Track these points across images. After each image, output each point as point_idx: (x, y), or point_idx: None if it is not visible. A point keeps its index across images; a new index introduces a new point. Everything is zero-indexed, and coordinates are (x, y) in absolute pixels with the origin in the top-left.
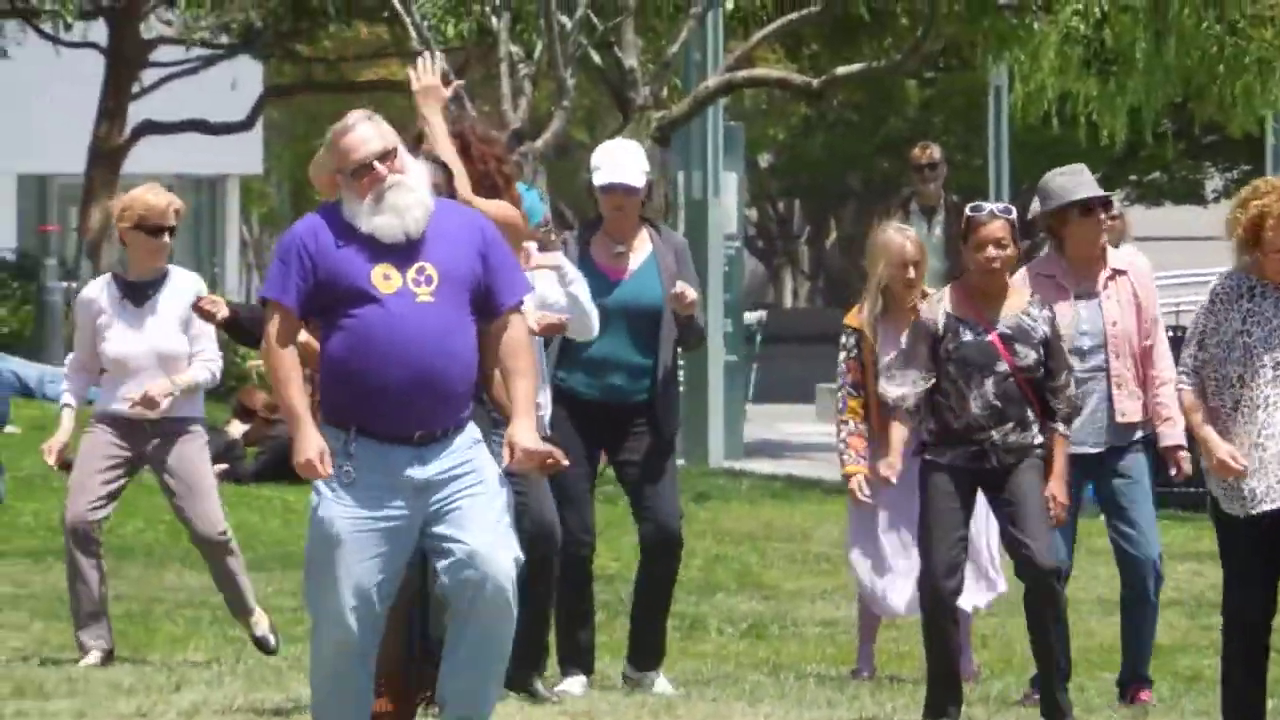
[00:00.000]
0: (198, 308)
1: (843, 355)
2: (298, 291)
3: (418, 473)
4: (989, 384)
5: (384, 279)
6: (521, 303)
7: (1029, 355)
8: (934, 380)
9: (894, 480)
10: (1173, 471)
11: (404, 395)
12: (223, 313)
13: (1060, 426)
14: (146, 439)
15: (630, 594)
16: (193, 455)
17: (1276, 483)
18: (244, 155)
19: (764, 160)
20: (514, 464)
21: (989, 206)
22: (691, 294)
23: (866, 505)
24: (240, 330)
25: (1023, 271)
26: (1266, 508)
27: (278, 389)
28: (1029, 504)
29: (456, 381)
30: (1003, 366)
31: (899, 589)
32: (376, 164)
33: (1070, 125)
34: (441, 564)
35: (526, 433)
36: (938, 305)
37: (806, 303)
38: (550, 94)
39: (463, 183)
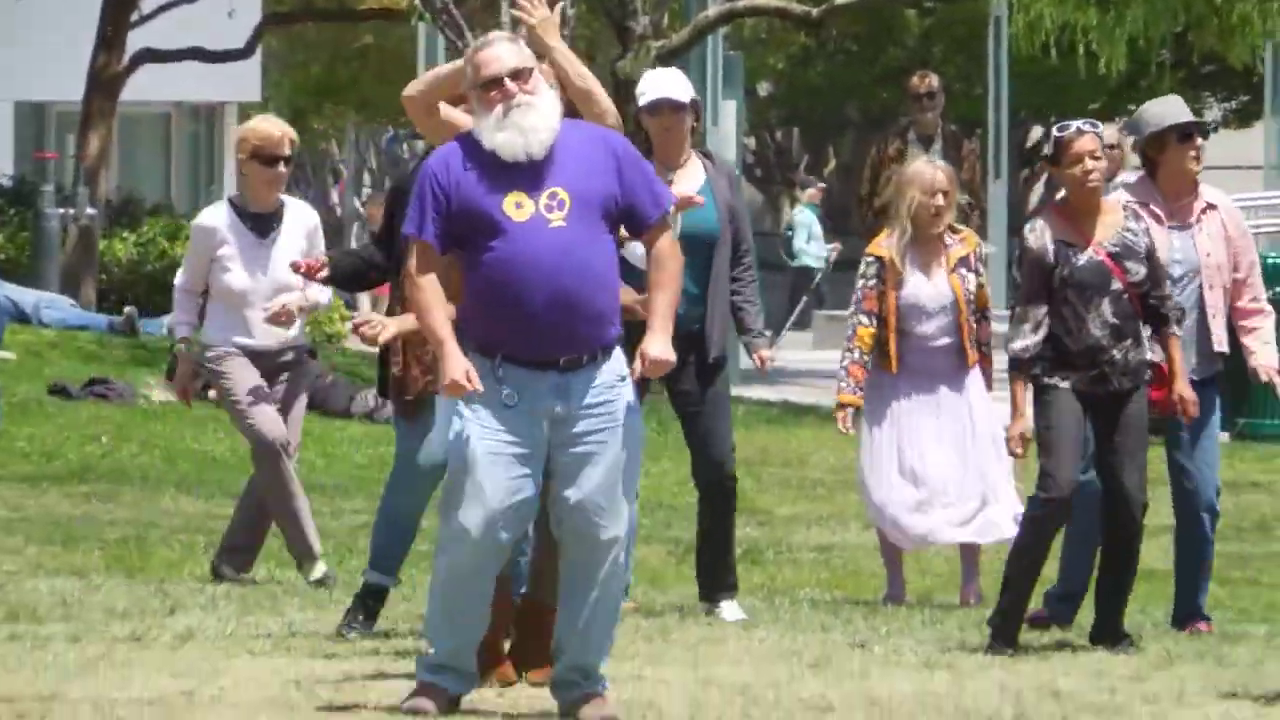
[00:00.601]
0: (301, 269)
1: (861, 283)
2: (434, 226)
3: (559, 404)
4: (1106, 304)
5: (516, 207)
6: (666, 215)
7: (1139, 270)
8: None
9: (1019, 451)
10: (1263, 377)
11: (545, 321)
12: (324, 274)
13: (1175, 329)
14: (273, 367)
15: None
16: (300, 386)
17: None
18: (242, 83)
19: (763, 89)
20: (643, 372)
21: (1075, 123)
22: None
23: (874, 434)
24: (343, 281)
25: (1120, 194)
26: None
27: (421, 318)
28: (1131, 440)
29: (596, 303)
30: (1117, 285)
31: (912, 521)
32: (508, 81)
33: (1070, 55)
34: (557, 508)
35: (659, 344)
36: (1043, 234)
37: None
38: None
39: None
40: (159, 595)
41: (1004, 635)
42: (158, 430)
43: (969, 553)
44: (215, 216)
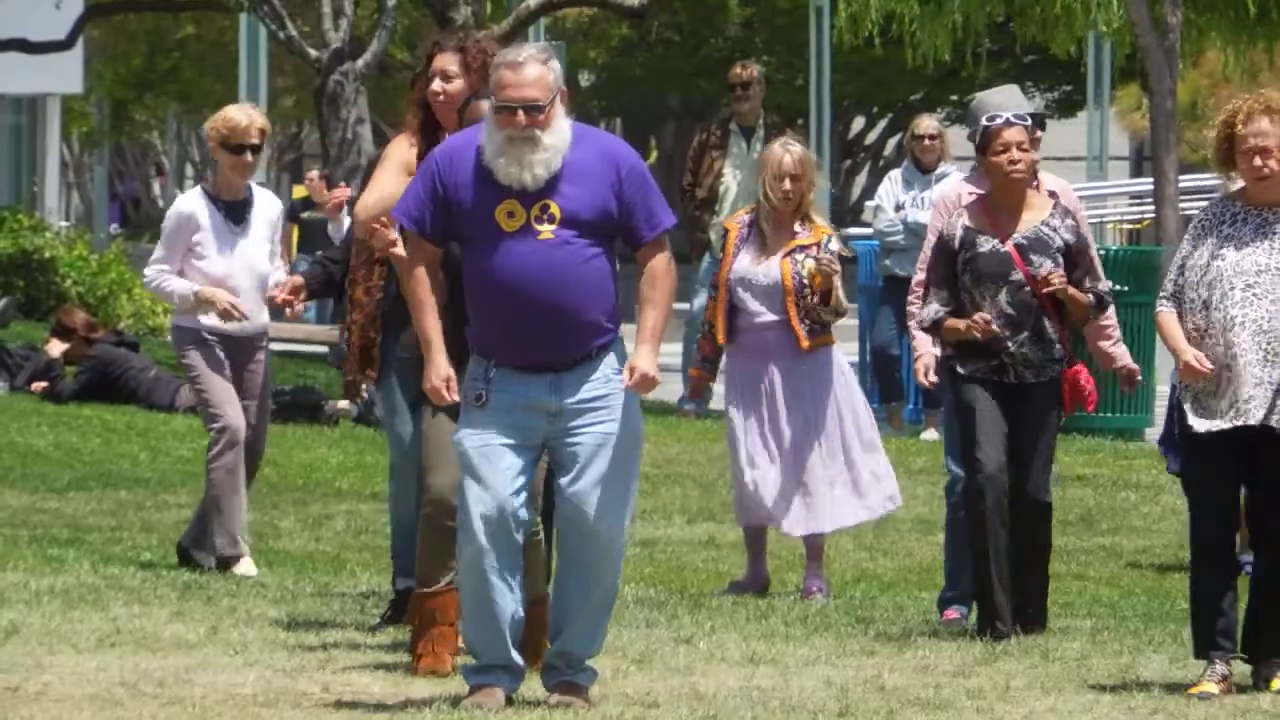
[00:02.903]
0: (281, 298)
1: (720, 256)
2: (431, 219)
3: (552, 400)
4: (1003, 294)
5: (508, 216)
6: (663, 235)
7: (1044, 264)
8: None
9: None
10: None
11: (528, 330)
12: (300, 305)
13: (1099, 317)
14: (242, 353)
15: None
16: (264, 370)
17: (1244, 401)
18: (64, 75)
19: (584, 79)
20: (630, 386)
21: (1004, 115)
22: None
23: (743, 417)
24: (319, 292)
25: (954, 180)
26: (1230, 424)
27: (413, 315)
28: (1031, 433)
29: (583, 315)
30: (1017, 276)
31: (779, 505)
32: (521, 113)
33: (893, 46)
34: (556, 499)
35: (646, 358)
36: (956, 220)
37: None
38: (371, 13)
39: None
40: None
41: (989, 618)
42: None
43: (813, 543)
44: (193, 203)
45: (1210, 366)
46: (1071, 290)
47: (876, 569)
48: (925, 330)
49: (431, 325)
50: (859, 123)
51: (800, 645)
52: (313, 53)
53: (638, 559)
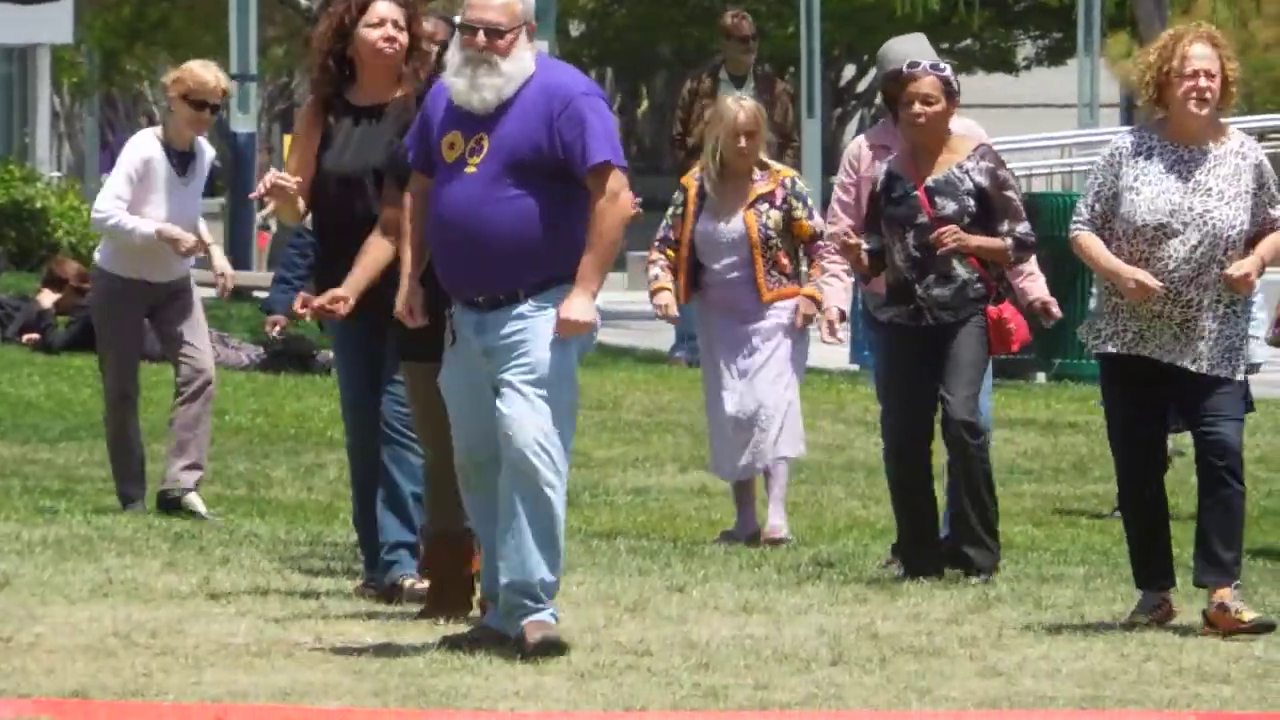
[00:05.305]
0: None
1: (670, 210)
2: (415, 150)
3: (478, 339)
4: (910, 237)
5: (449, 147)
6: (602, 167)
7: (948, 206)
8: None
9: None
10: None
11: (454, 261)
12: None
13: (1017, 260)
14: (163, 299)
15: None
16: (195, 302)
17: (1149, 333)
18: (55, 24)
19: (574, 28)
20: (557, 331)
21: (923, 63)
22: None
23: (717, 370)
24: (306, 278)
25: (859, 140)
26: (1140, 351)
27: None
28: (956, 365)
29: (503, 249)
30: (923, 219)
31: (733, 452)
32: (480, 34)
33: None
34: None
35: (573, 302)
36: (881, 166)
37: None
38: None
39: None
40: None
41: (913, 565)
42: None
43: (744, 487)
44: (151, 147)
45: (1159, 284)
46: (977, 241)
47: (869, 516)
48: (869, 266)
49: (406, 252)
50: (849, 71)
51: (793, 593)
52: (303, 2)
53: (630, 507)
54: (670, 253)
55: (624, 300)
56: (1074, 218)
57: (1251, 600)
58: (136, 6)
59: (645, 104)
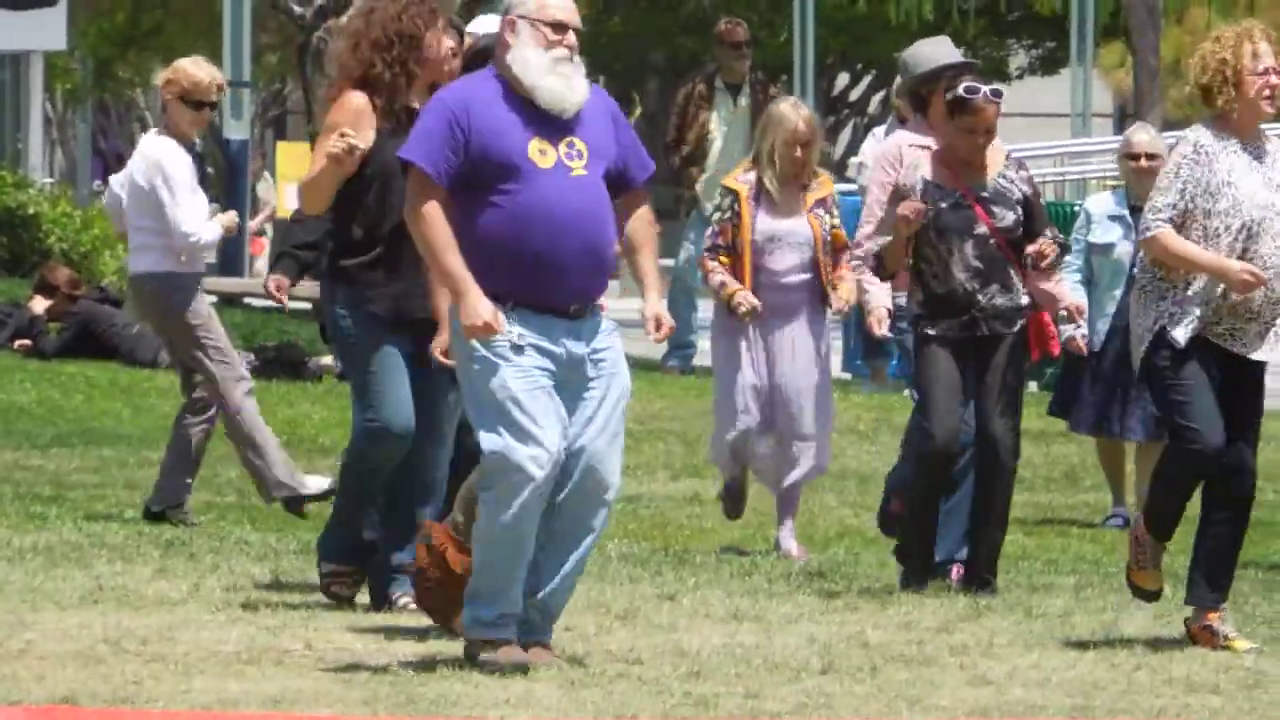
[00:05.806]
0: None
1: (717, 216)
2: (448, 165)
3: (574, 346)
4: (969, 247)
5: (540, 154)
6: (650, 179)
7: (1007, 216)
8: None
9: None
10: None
11: (566, 268)
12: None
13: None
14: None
15: None
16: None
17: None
18: (49, 31)
19: None
20: (660, 337)
21: (984, 88)
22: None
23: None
24: (302, 273)
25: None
26: (1230, 347)
27: (435, 257)
28: (1002, 384)
29: (609, 252)
30: (981, 229)
31: (763, 458)
32: (572, 34)
33: (878, 1)
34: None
35: (662, 304)
36: (915, 173)
37: None
38: None
39: None
40: None
41: (919, 578)
42: None
43: (787, 499)
44: (179, 152)
45: (1268, 276)
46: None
47: (860, 525)
48: (872, 268)
49: (459, 265)
50: (843, 79)
51: (783, 602)
52: (296, 9)
53: (621, 515)
54: (724, 259)
55: (617, 307)
56: (1151, 216)
57: (1242, 610)
58: (130, 14)
59: (638, 111)
